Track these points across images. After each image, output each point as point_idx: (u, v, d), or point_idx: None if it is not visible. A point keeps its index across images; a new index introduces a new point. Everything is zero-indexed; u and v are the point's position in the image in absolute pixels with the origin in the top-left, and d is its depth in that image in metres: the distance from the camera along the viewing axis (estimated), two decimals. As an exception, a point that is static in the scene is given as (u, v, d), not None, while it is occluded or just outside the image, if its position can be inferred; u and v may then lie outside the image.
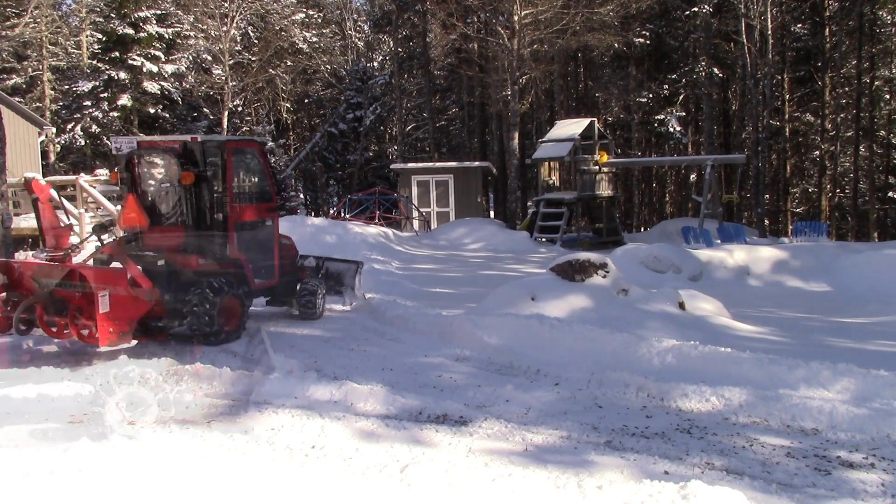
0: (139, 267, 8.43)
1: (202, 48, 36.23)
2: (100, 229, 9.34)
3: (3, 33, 30.07)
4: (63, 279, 8.02)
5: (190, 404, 6.50)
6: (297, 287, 10.30)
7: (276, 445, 5.37)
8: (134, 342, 7.87)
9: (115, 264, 8.64)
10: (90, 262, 8.98)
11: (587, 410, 6.23)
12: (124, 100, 32.47)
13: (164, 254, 8.85)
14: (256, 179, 9.99)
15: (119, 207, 9.24)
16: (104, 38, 34.07)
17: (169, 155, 9.02)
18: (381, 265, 14.80)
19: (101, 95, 32.77)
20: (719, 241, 18.29)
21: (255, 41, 38.10)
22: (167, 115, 35.43)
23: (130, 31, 32.68)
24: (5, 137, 11.69)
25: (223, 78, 32.76)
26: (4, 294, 8.38)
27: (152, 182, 9.41)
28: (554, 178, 25.85)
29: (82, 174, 21.52)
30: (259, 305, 10.61)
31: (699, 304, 10.11)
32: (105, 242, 9.21)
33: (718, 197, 23.83)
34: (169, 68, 33.85)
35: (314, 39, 41.85)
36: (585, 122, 24.43)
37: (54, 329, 8.22)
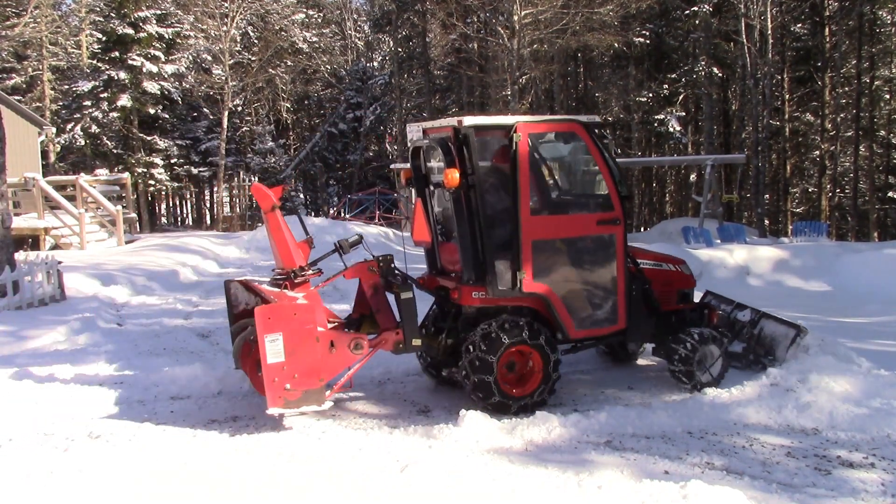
0: (386, 299, 6.48)
1: (202, 48, 36.24)
2: (344, 246, 6.72)
3: (3, 33, 30.05)
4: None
5: (191, 404, 6.51)
6: (676, 336, 6.78)
7: (277, 445, 5.37)
8: (328, 404, 5.71)
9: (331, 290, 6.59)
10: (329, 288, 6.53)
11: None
12: (124, 100, 32.47)
13: (448, 280, 6.57)
14: (581, 178, 7.21)
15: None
16: (104, 38, 34.08)
17: (437, 147, 6.33)
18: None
19: (101, 95, 32.77)
20: (719, 241, 18.29)
21: (255, 41, 38.10)
22: (167, 115, 35.44)
23: (130, 31, 32.69)
24: (5, 137, 11.68)
25: (223, 78, 32.76)
26: (249, 319, 6.26)
27: (435, 183, 6.91)
28: (554, 178, 25.80)
29: (82, 174, 21.53)
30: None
31: (699, 304, 10.08)
32: (358, 263, 6.68)
33: (718, 197, 23.81)
34: (169, 68, 33.86)
35: (314, 39, 41.86)
36: (585, 122, 24.34)
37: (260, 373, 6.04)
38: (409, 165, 6.93)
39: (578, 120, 6.40)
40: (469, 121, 6.16)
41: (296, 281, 6.25)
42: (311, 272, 6.39)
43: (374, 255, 6.56)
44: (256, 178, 40.73)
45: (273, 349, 5.42)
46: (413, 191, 6.83)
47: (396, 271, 6.57)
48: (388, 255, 6.58)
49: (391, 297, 6.55)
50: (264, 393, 5.61)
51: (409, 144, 6.95)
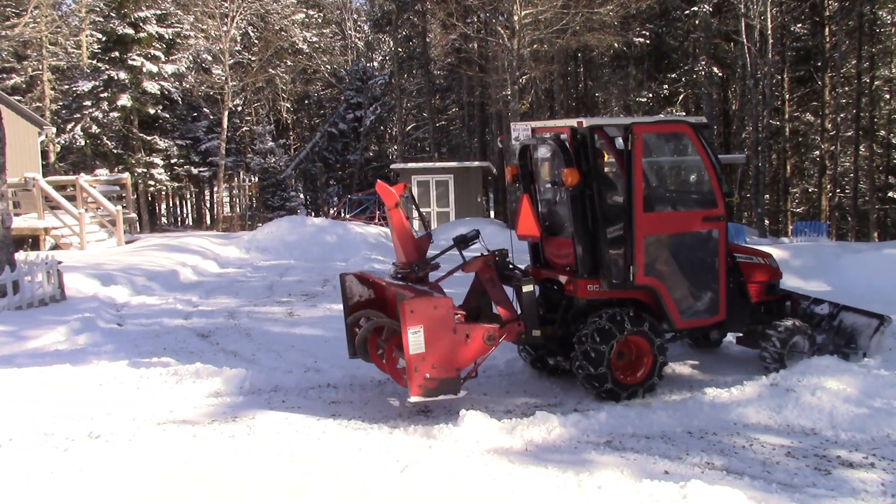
0: (505, 292, 6.70)
1: (202, 48, 36.23)
2: (461, 241, 6.95)
3: (3, 33, 30.06)
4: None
5: (191, 404, 6.51)
6: (768, 327, 7.21)
7: (278, 445, 5.37)
8: (463, 392, 5.93)
9: (478, 282, 6.82)
10: (449, 282, 6.90)
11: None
12: (124, 100, 32.47)
13: (559, 274, 6.90)
14: (688, 176, 7.60)
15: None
16: (104, 38, 34.08)
17: (553, 145, 6.79)
18: (381, 265, 14.81)
19: (101, 95, 32.77)
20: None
21: (255, 41, 38.10)
22: (167, 115, 35.44)
23: (130, 31, 32.68)
24: (5, 137, 11.69)
25: (223, 78, 32.75)
26: (365, 311, 6.78)
27: (544, 181, 7.35)
28: (554, 178, 25.82)
29: (82, 174, 21.53)
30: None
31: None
32: (476, 257, 6.89)
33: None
34: (169, 68, 33.86)
35: (314, 39, 41.86)
36: (585, 122, 24.36)
37: (384, 360, 6.60)
38: (515, 163, 7.34)
39: (687, 121, 6.88)
40: (588, 122, 6.54)
41: (418, 275, 6.55)
42: (430, 266, 6.69)
43: (489, 250, 6.86)
44: (256, 178, 40.74)
45: (415, 341, 5.64)
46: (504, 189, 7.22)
47: (511, 265, 6.88)
48: (504, 250, 6.89)
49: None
50: (401, 382, 6.13)
51: (512, 143, 7.32)
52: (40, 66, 34.11)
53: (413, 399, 5.72)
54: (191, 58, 36.26)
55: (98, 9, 36.19)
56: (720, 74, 33.05)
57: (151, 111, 33.98)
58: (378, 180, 6.99)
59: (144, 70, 32.76)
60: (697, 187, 7.30)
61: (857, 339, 7.40)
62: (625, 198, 6.48)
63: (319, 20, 44.81)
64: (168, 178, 35.75)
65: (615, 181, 6.72)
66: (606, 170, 6.75)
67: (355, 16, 47.00)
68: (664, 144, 7.17)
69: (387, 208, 6.60)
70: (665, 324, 6.74)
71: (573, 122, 6.56)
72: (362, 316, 6.71)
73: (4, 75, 35.76)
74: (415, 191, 27.47)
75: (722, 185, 6.76)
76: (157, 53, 33.55)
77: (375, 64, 46.28)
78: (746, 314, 7.23)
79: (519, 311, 6.60)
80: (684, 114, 33.68)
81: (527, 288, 6.55)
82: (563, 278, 6.82)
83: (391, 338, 6.38)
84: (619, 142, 6.62)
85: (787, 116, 31.99)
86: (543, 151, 7.20)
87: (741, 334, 7.57)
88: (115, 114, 32.76)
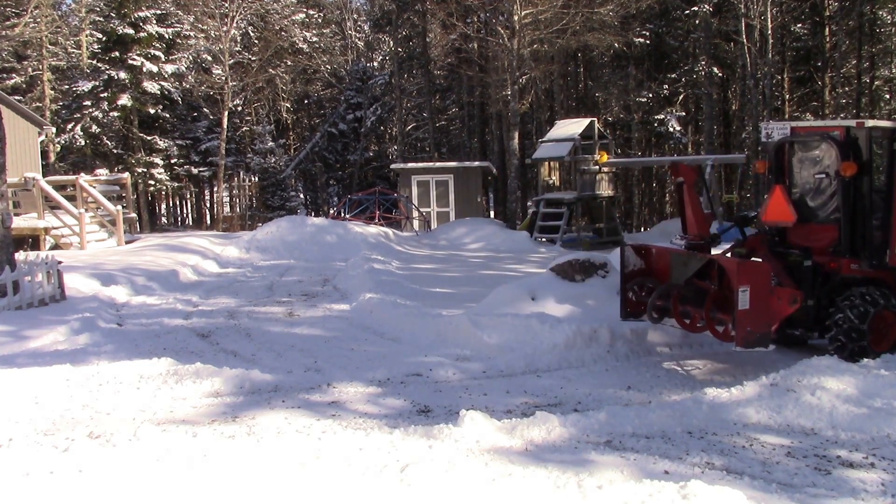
0: (782, 266, 7.80)
1: (202, 48, 36.25)
2: (742, 221, 8.66)
3: (3, 33, 30.05)
4: (701, 269, 7.64)
5: (191, 404, 6.51)
6: None
7: (278, 445, 5.37)
8: (772, 347, 7.22)
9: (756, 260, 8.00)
10: (729, 255, 8.20)
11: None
12: (124, 100, 32.47)
13: (813, 254, 7.87)
14: None
15: (765, 198, 8.32)
16: (104, 38, 34.09)
17: (827, 142, 7.88)
18: (381, 265, 14.81)
19: (101, 95, 32.77)
20: (720, 241, 18.24)
21: (255, 41, 38.11)
22: (167, 115, 35.44)
23: (130, 31, 32.69)
24: (5, 137, 11.69)
25: (223, 78, 32.76)
26: (640, 279, 8.21)
27: (804, 173, 8.35)
28: (554, 178, 25.83)
29: (82, 174, 21.53)
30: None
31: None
32: (747, 236, 8.43)
33: (718, 197, 23.81)
34: (169, 68, 33.86)
35: (314, 39, 41.86)
36: (585, 122, 24.41)
37: (688, 321, 7.80)
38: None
39: None
40: (868, 123, 7.70)
41: (707, 246, 7.93)
42: (716, 241, 8.20)
43: (759, 231, 8.32)
44: (256, 178, 40.73)
45: (743, 298, 6.79)
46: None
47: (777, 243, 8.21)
48: (773, 230, 8.19)
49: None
50: (718, 335, 7.41)
51: (764, 139, 8.45)
52: (40, 66, 34.11)
53: (738, 348, 6.93)
54: (191, 58, 36.27)
55: (98, 9, 36.19)
56: (720, 74, 33.05)
57: (151, 111, 33.99)
58: (679, 163, 8.44)
59: (144, 70, 32.76)
60: None
61: None
62: (887, 190, 7.68)
63: (319, 20, 44.81)
64: (168, 178, 35.75)
65: (880, 174, 7.81)
66: (873, 165, 7.73)
67: (355, 16, 47.00)
68: None
69: (686, 186, 8.07)
70: None
71: (851, 123, 7.75)
72: (637, 283, 8.16)
73: (4, 75, 35.75)
74: (414, 191, 27.49)
75: None
76: (157, 53, 33.57)
77: (375, 64, 46.28)
78: None
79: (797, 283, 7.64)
80: (684, 114, 33.74)
81: (807, 263, 7.69)
82: (821, 258, 7.80)
83: (685, 300, 7.63)
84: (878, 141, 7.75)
85: (787, 116, 31.99)
86: (809, 147, 8.19)
87: None
88: (115, 114, 32.76)
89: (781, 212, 7.93)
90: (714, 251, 8.48)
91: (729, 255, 8.22)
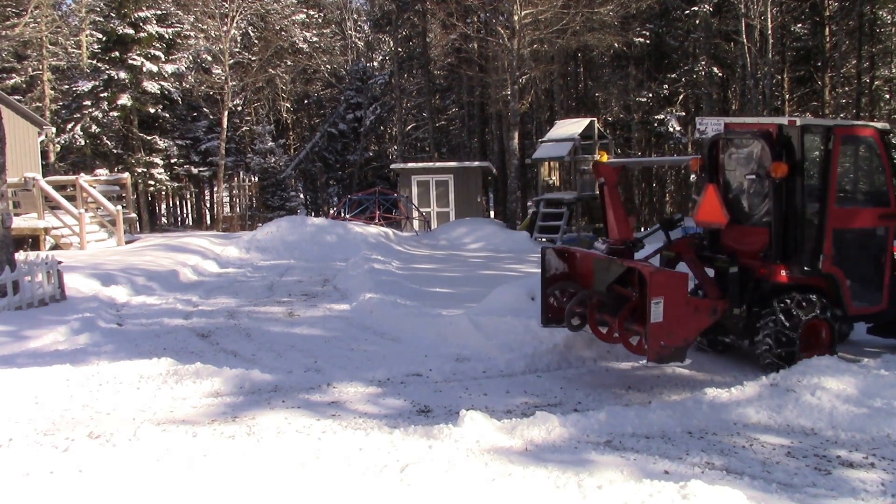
0: (709, 272, 7.36)
1: (202, 48, 36.24)
2: (667, 223, 7.89)
3: (3, 33, 30.05)
4: (623, 275, 7.08)
5: (191, 404, 6.50)
6: None
7: (277, 445, 5.37)
8: (688, 360, 6.77)
9: (683, 265, 7.53)
10: (655, 260, 7.67)
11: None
12: (124, 99, 32.47)
13: (741, 259, 7.38)
14: (870, 176, 7.95)
15: (696, 199, 7.81)
16: (104, 38, 34.08)
17: (758, 140, 7.37)
18: (381, 265, 14.81)
19: (101, 95, 32.77)
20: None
21: (255, 41, 38.11)
22: (167, 115, 35.44)
23: (130, 31, 32.69)
24: (5, 137, 11.69)
25: (223, 78, 32.76)
26: (561, 283, 7.64)
27: (737, 172, 7.87)
28: (554, 178, 25.84)
29: (82, 174, 21.52)
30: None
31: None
32: (673, 239, 7.82)
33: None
34: (169, 68, 33.86)
35: (314, 39, 41.86)
36: (585, 122, 24.42)
37: (604, 330, 7.37)
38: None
39: (876, 126, 7.62)
40: (800, 121, 7.20)
41: (629, 251, 7.27)
42: (640, 245, 7.49)
43: (689, 234, 7.65)
44: (256, 178, 40.72)
45: (656, 310, 6.29)
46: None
47: (705, 247, 7.73)
48: (701, 234, 7.69)
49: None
50: (632, 349, 6.84)
51: (697, 135, 7.90)
52: (40, 66, 34.11)
53: (650, 363, 6.50)
54: (191, 58, 36.27)
55: (98, 9, 36.19)
56: (720, 74, 33.04)
57: (151, 111, 33.99)
58: (597, 161, 7.73)
59: (144, 70, 32.76)
60: (876, 186, 7.75)
61: None
62: (820, 192, 7.11)
63: (319, 20, 44.81)
64: (168, 178, 35.75)
65: (815, 177, 7.21)
66: (808, 165, 7.22)
67: (355, 16, 47.01)
68: (854, 145, 7.65)
69: (607, 187, 7.40)
70: (839, 310, 7.32)
71: (783, 121, 7.28)
72: (559, 288, 7.55)
73: (4, 75, 35.74)
74: (414, 191, 27.48)
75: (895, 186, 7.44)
76: (157, 53, 33.57)
77: (375, 64, 46.28)
78: None
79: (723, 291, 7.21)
80: (684, 114, 33.73)
81: (732, 270, 7.20)
82: (752, 263, 7.33)
83: (602, 308, 7.18)
84: (812, 140, 7.24)
85: (786, 116, 31.99)
86: (742, 145, 7.75)
87: (873, 325, 8.15)
88: (115, 114, 32.76)
89: (714, 213, 7.54)
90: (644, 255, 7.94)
91: (656, 261, 7.72)
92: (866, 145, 7.62)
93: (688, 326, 6.60)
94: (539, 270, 7.90)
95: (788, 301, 7.00)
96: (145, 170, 33.95)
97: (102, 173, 24.44)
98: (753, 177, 7.56)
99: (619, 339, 7.08)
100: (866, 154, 7.74)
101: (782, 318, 6.96)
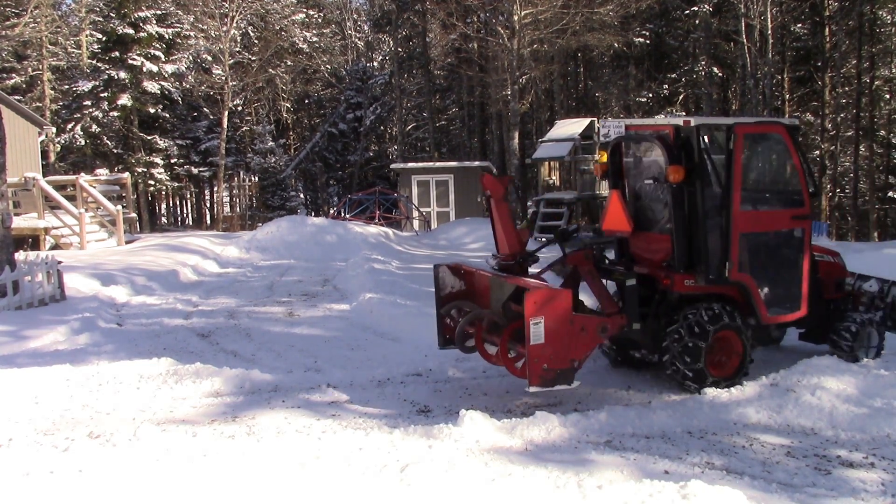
0: (607, 285, 6.84)
1: (202, 48, 36.22)
2: (562, 235, 7.30)
3: (3, 33, 30.04)
4: (517, 293, 6.43)
5: (191, 404, 6.50)
6: (840, 321, 7.39)
7: (277, 445, 5.37)
8: (577, 383, 6.09)
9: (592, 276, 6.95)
10: (550, 276, 7.17)
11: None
12: (124, 99, 32.47)
13: (649, 269, 7.00)
14: (780, 176, 7.46)
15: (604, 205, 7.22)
16: (104, 38, 34.08)
17: (656, 143, 6.87)
18: (381, 265, 14.81)
19: (101, 95, 32.76)
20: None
21: (255, 41, 38.10)
22: (167, 115, 35.43)
23: (130, 30, 32.68)
24: (5, 137, 11.69)
25: (223, 78, 32.75)
26: (457, 302, 7.06)
27: (638, 177, 7.41)
28: (554, 178, 25.84)
29: (82, 174, 21.52)
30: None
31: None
32: (568, 251, 7.13)
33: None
34: (169, 68, 33.85)
35: (314, 39, 41.86)
36: (585, 121, 24.40)
37: (493, 351, 6.75)
38: (604, 159, 7.48)
39: (782, 122, 7.13)
40: (696, 121, 6.68)
41: (520, 266, 6.76)
42: (532, 259, 6.93)
43: (588, 244, 7.05)
44: (256, 178, 40.71)
45: (536, 331, 5.77)
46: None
47: (607, 260, 7.13)
48: (601, 244, 7.15)
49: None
50: (516, 372, 6.29)
51: (601, 138, 7.38)
52: (40, 66, 34.10)
53: (532, 389, 5.87)
54: (191, 58, 36.25)
55: (98, 9, 36.19)
56: (720, 74, 33.04)
57: (151, 111, 33.97)
58: (486, 174, 7.20)
59: (144, 70, 32.75)
60: (787, 186, 7.31)
61: None
62: (723, 195, 6.61)
63: (319, 20, 44.81)
64: (168, 178, 35.74)
65: (716, 179, 6.69)
66: (707, 168, 6.70)
67: (355, 16, 47.02)
68: (760, 144, 7.19)
69: (493, 200, 6.88)
70: (752, 319, 6.88)
71: (679, 121, 6.76)
72: (454, 307, 6.96)
73: (4, 75, 35.73)
74: (414, 191, 27.48)
75: (809, 185, 6.94)
76: (157, 53, 33.55)
77: (375, 64, 46.28)
78: (821, 310, 7.35)
79: (621, 305, 6.68)
80: (684, 114, 33.71)
81: (630, 282, 6.67)
82: (657, 273, 6.92)
83: (493, 329, 6.59)
84: (713, 141, 6.76)
85: (786, 116, 32.00)
86: (640, 148, 7.33)
87: (804, 330, 7.71)
88: (115, 113, 32.75)
89: (618, 221, 7.03)
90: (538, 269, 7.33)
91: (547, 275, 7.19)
92: (774, 143, 7.15)
93: (575, 347, 6.03)
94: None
95: (694, 313, 6.52)
96: (145, 170, 33.94)
97: (102, 173, 24.43)
98: (651, 182, 7.15)
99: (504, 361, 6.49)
100: (776, 153, 7.26)
101: (687, 330, 6.45)
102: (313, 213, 40.06)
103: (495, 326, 6.60)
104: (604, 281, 6.99)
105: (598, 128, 7.30)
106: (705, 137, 6.62)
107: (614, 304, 6.70)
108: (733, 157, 6.57)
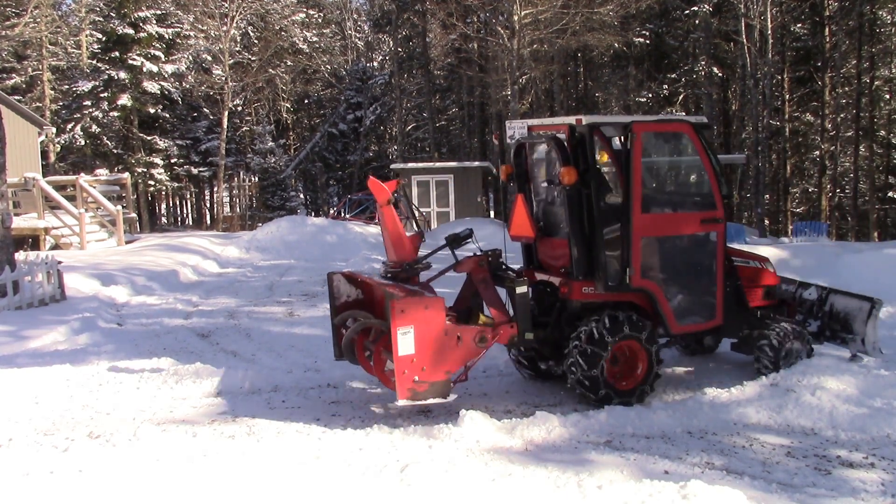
0: (500, 294, 6.50)
1: (202, 48, 36.23)
2: (453, 240, 6.88)
3: (3, 33, 30.03)
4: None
5: (191, 404, 6.50)
6: (762, 334, 6.96)
7: (277, 445, 5.37)
8: (453, 396, 5.78)
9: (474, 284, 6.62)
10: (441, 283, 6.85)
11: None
12: (124, 100, 32.47)
13: (552, 276, 6.73)
14: (687, 177, 7.18)
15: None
16: (104, 38, 34.08)
17: (551, 143, 6.57)
18: (380, 265, 14.80)
19: (101, 95, 32.77)
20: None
21: (255, 41, 38.10)
22: (167, 115, 35.44)
23: (130, 31, 32.69)
24: (5, 137, 11.69)
25: (223, 78, 32.75)
26: (353, 312, 6.62)
27: (540, 179, 7.11)
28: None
29: (82, 174, 21.52)
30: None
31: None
32: (459, 259, 6.77)
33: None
34: (169, 68, 33.86)
35: (314, 39, 41.87)
36: (585, 122, 24.36)
37: (371, 362, 6.48)
38: (510, 162, 7.10)
39: (688, 120, 6.67)
40: (588, 119, 6.28)
41: (409, 274, 6.42)
42: (421, 266, 6.57)
43: (482, 250, 6.65)
44: (256, 178, 40.71)
45: (405, 342, 5.47)
46: (512, 186, 6.97)
47: (504, 266, 6.71)
48: (497, 250, 6.69)
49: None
50: (389, 384, 5.93)
51: (508, 141, 7.04)
52: (40, 66, 34.11)
53: (400, 403, 5.56)
54: (191, 58, 36.26)
55: (98, 9, 36.19)
56: (720, 74, 33.04)
57: (151, 111, 33.99)
58: (370, 177, 6.89)
59: (144, 70, 32.77)
60: (696, 188, 6.98)
61: (852, 324, 7.25)
62: (623, 198, 6.26)
63: (319, 20, 44.82)
64: (168, 178, 35.75)
65: (613, 181, 6.45)
66: (605, 170, 6.46)
67: (355, 16, 47.02)
68: (664, 144, 6.86)
69: (378, 205, 6.48)
70: (661, 328, 6.53)
71: (572, 120, 6.36)
72: (349, 317, 6.52)
73: (4, 75, 35.74)
74: (414, 191, 27.46)
75: (721, 186, 6.58)
76: (157, 53, 33.57)
77: (375, 64, 46.29)
78: (743, 320, 7.01)
79: (512, 314, 6.37)
80: (684, 113, 33.71)
81: (520, 289, 6.33)
82: (556, 280, 6.63)
83: (379, 339, 6.22)
84: (618, 141, 6.43)
85: (786, 116, 31.98)
86: (540, 150, 7.03)
87: (735, 340, 7.36)
88: (115, 114, 32.76)
89: (523, 226, 6.69)
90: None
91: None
92: (679, 143, 6.80)
93: (450, 358, 5.72)
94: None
95: (597, 320, 6.17)
96: (145, 170, 33.94)
97: (102, 173, 24.44)
98: (546, 184, 6.84)
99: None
100: (681, 153, 6.89)
101: (586, 338, 6.13)
102: (313, 214, 40.06)
103: (381, 336, 6.22)
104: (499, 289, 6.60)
105: (506, 129, 6.76)
106: (599, 137, 6.34)
107: (505, 313, 6.35)
108: (631, 157, 6.18)
